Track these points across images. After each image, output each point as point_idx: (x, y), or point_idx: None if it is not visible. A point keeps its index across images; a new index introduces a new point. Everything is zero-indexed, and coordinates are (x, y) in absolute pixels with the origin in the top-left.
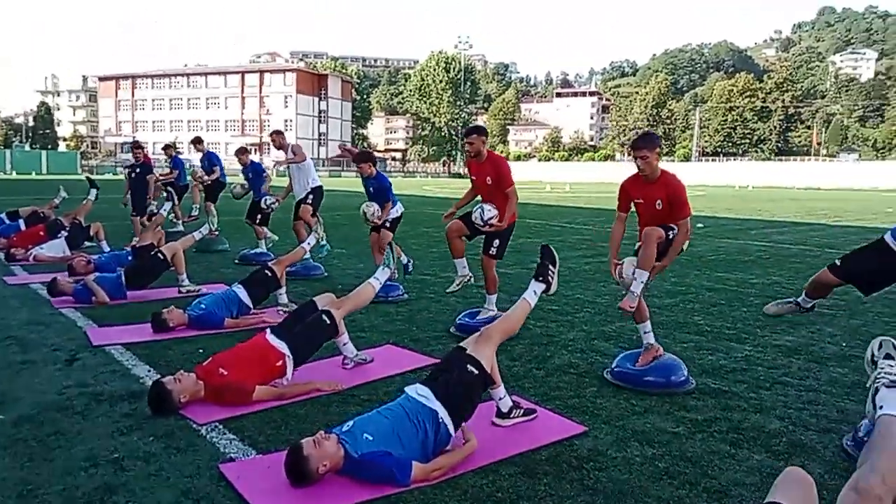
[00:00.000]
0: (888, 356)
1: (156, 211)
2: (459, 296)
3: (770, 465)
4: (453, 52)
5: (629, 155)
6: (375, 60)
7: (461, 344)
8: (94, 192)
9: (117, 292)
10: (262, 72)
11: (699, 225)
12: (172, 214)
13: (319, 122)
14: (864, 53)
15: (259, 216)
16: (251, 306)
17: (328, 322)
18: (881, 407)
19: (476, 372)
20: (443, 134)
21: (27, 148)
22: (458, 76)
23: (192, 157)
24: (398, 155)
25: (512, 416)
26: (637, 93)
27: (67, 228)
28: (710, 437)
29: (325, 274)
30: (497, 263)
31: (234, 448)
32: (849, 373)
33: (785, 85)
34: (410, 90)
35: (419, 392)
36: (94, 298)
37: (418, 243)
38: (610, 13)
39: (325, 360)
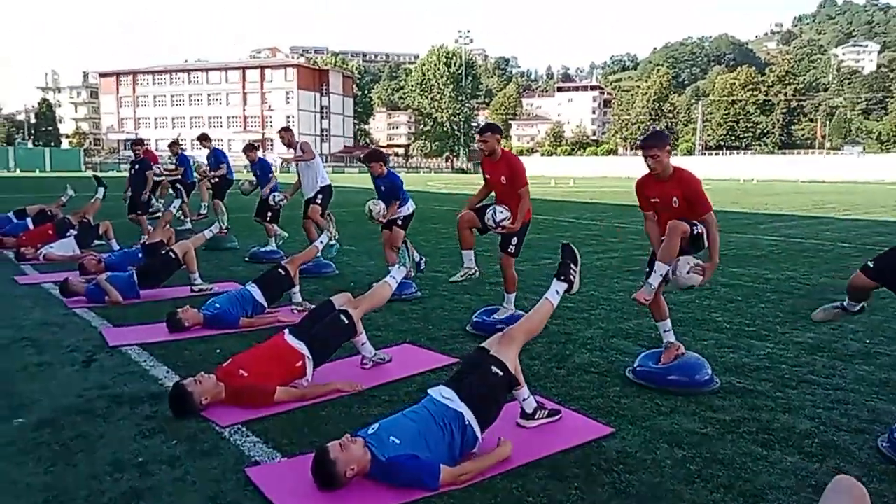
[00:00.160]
0: None
1: (162, 209)
2: (473, 293)
3: (805, 468)
4: (454, 47)
5: (632, 149)
6: (376, 55)
7: (483, 345)
8: (101, 190)
9: (130, 291)
10: (262, 67)
11: None
12: (180, 212)
13: (321, 117)
14: (867, 46)
15: (269, 213)
16: (266, 305)
17: (346, 322)
18: None
19: (501, 373)
20: (445, 129)
21: (30, 145)
22: (460, 71)
23: (195, 154)
24: (401, 150)
25: (537, 417)
26: (638, 87)
27: (76, 227)
28: (740, 439)
29: (337, 272)
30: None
31: (259, 451)
32: (875, 370)
33: (787, 78)
34: (412, 85)
35: (443, 394)
36: (107, 298)
37: (427, 240)
38: (609, 6)
39: (343, 360)
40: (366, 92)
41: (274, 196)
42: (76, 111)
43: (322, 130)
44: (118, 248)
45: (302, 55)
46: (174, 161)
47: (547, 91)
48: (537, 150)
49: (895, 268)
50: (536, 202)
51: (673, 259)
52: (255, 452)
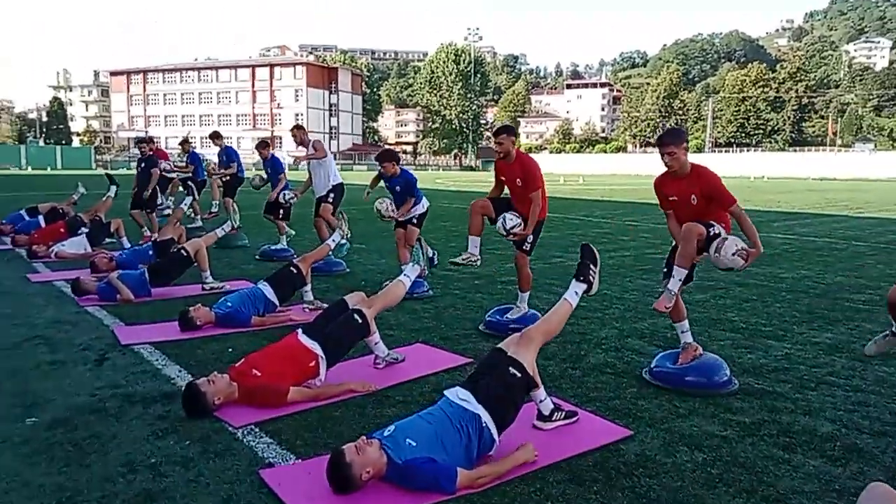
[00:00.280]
0: None
1: (172, 206)
2: (486, 292)
3: (828, 472)
4: (463, 44)
5: (641, 147)
6: (385, 53)
7: (499, 345)
8: (113, 188)
9: (142, 289)
10: (272, 65)
11: None
12: (191, 210)
13: (330, 115)
14: (879, 42)
15: (281, 211)
16: (277, 304)
17: (360, 321)
18: None
19: (519, 375)
20: (453, 126)
21: (41, 143)
22: (468, 68)
23: (204, 152)
24: (409, 148)
25: (553, 418)
26: (648, 84)
27: (88, 225)
28: (760, 442)
29: (347, 270)
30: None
31: (272, 452)
32: (895, 372)
33: (798, 75)
34: (420, 83)
35: (460, 396)
36: (119, 296)
37: (437, 237)
38: (619, 3)
39: (356, 359)
40: (374, 89)
41: (284, 194)
42: (87, 109)
43: (331, 128)
44: (129, 246)
45: (311, 53)
46: (185, 159)
47: (556, 88)
48: (546, 148)
49: None
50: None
51: (691, 262)
52: (268, 454)
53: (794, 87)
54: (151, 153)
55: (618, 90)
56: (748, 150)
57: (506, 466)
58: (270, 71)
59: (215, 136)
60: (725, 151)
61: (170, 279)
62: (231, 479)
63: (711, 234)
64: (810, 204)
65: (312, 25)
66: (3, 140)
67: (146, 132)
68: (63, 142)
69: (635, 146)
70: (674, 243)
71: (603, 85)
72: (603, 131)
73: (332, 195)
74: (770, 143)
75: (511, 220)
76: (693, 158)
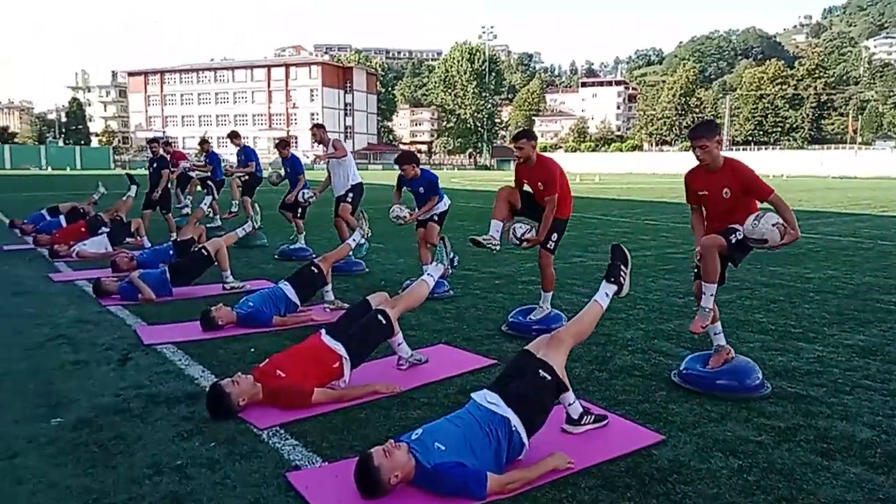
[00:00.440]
0: None
1: (190, 205)
2: (507, 292)
3: (870, 480)
4: (477, 43)
5: (657, 145)
6: (399, 52)
7: (527, 347)
8: (133, 188)
9: (163, 289)
10: (287, 65)
11: None
12: (210, 210)
13: (345, 114)
14: None
15: (299, 210)
16: (298, 304)
17: (384, 322)
18: None
19: (548, 377)
20: (468, 126)
21: (61, 144)
22: (483, 67)
23: (221, 152)
24: (424, 147)
25: (583, 422)
26: (664, 81)
27: (108, 225)
28: (797, 447)
29: (367, 270)
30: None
31: (299, 455)
32: None
33: (817, 71)
34: (435, 82)
35: (488, 399)
36: (141, 296)
37: (454, 237)
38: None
39: (379, 360)
40: (389, 89)
41: (303, 193)
42: (105, 110)
43: (346, 128)
44: (149, 245)
45: (326, 53)
46: (204, 158)
47: (570, 86)
48: (561, 147)
49: None
50: None
51: (716, 277)
52: (294, 456)
53: (813, 84)
54: (169, 154)
55: (633, 88)
56: (766, 149)
57: (537, 472)
58: (286, 71)
59: (234, 136)
60: (743, 150)
61: (191, 278)
62: (258, 482)
63: (734, 241)
64: (832, 203)
65: (327, 25)
66: (24, 141)
67: (164, 132)
68: (82, 142)
69: (651, 145)
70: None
71: (618, 83)
72: (618, 130)
73: (351, 195)
74: (789, 140)
75: (520, 227)
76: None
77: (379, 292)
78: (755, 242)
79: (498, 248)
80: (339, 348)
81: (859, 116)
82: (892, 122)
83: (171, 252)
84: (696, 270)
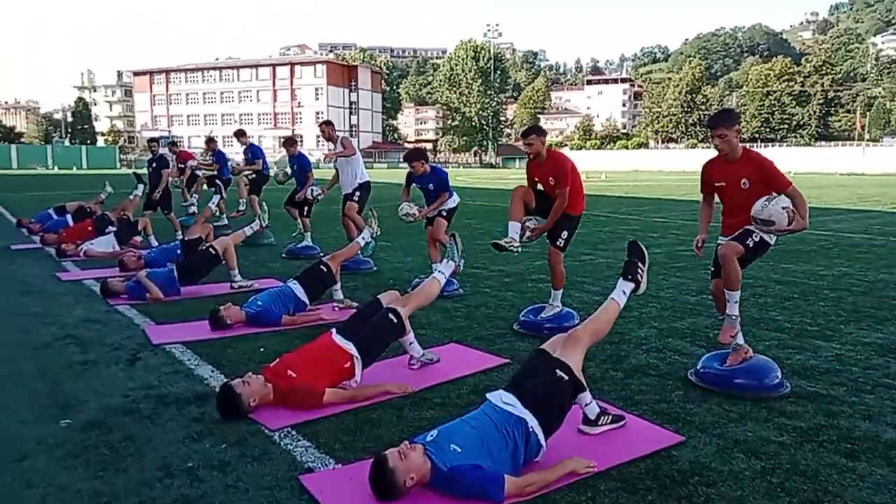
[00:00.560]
0: None
1: (195, 203)
2: (517, 291)
3: None
4: (482, 41)
5: (663, 143)
6: (404, 51)
7: (543, 347)
8: (140, 187)
9: (171, 288)
10: (292, 64)
11: None
12: (217, 209)
13: (350, 113)
14: None
15: (306, 207)
16: (308, 303)
17: (395, 320)
18: None
19: (566, 377)
20: (473, 124)
21: (67, 143)
22: (488, 65)
23: (227, 151)
24: (429, 145)
25: (600, 423)
26: (670, 79)
27: (115, 224)
28: (820, 448)
29: (375, 268)
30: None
31: (311, 456)
32: None
33: (824, 68)
34: (440, 80)
35: (504, 399)
36: (149, 295)
37: (462, 235)
38: None
39: (390, 360)
40: (394, 87)
41: (312, 190)
42: (111, 109)
43: (351, 126)
44: (156, 244)
45: (331, 52)
46: (211, 157)
47: (576, 84)
48: (566, 144)
49: None
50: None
51: (738, 284)
52: (307, 458)
53: (820, 81)
54: (176, 153)
55: (639, 86)
56: (773, 146)
57: (555, 475)
58: (291, 70)
59: (240, 134)
60: (750, 146)
61: (198, 277)
62: (270, 485)
63: (751, 245)
64: (841, 199)
65: (331, 24)
66: (30, 140)
67: (169, 131)
68: (88, 142)
69: (657, 142)
70: (720, 241)
71: (624, 80)
72: (624, 127)
73: (358, 193)
74: (796, 137)
75: (529, 221)
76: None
77: (390, 291)
78: (761, 224)
79: (519, 249)
80: (351, 348)
81: (867, 113)
82: None
83: (178, 251)
84: (712, 269)
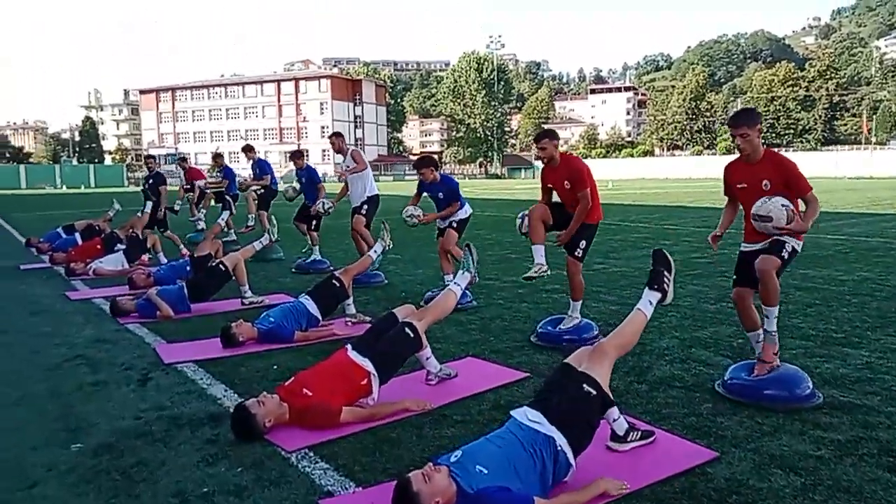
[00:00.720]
0: None
1: (202, 219)
2: (531, 302)
3: None
4: (485, 52)
5: (668, 150)
6: (407, 64)
7: (568, 361)
8: (149, 204)
9: (181, 305)
10: (296, 79)
11: None
12: (225, 225)
13: (355, 127)
14: None
15: (314, 221)
16: (320, 318)
17: (411, 335)
18: None
19: (594, 392)
20: (478, 135)
21: (75, 162)
22: (491, 76)
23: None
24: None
25: (629, 439)
26: (673, 86)
27: (124, 241)
28: (861, 462)
29: (386, 281)
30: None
31: (330, 479)
32: None
33: (828, 73)
34: (444, 92)
35: (530, 417)
36: (159, 313)
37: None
38: (641, 6)
39: (406, 375)
40: (398, 100)
41: (323, 203)
42: (118, 128)
43: (356, 140)
44: (166, 261)
45: (335, 66)
46: (219, 173)
47: (579, 94)
48: (571, 154)
49: None
50: None
51: (777, 300)
52: (326, 481)
53: (825, 86)
54: (185, 170)
55: (642, 94)
56: (780, 151)
57: (587, 496)
58: (295, 85)
59: (248, 150)
60: None
61: (209, 294)
62: None
63: (785, 256)
64: (852, 203)
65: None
66: (38, 160)
67: (176, 149)
68: (96, 160)
69: (662, 150)
70: (743, 247)
71: (627, 89)
72: (629, 135)
73: (366, 207)
74: (801, 142)
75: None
76: (725, 161)
77: (405, 305)
78: (759, 219)
79: (548, 272)
80: (367, 364)
81: (873, 116)
82: None
83: (187, 268)
84: (734, 277)
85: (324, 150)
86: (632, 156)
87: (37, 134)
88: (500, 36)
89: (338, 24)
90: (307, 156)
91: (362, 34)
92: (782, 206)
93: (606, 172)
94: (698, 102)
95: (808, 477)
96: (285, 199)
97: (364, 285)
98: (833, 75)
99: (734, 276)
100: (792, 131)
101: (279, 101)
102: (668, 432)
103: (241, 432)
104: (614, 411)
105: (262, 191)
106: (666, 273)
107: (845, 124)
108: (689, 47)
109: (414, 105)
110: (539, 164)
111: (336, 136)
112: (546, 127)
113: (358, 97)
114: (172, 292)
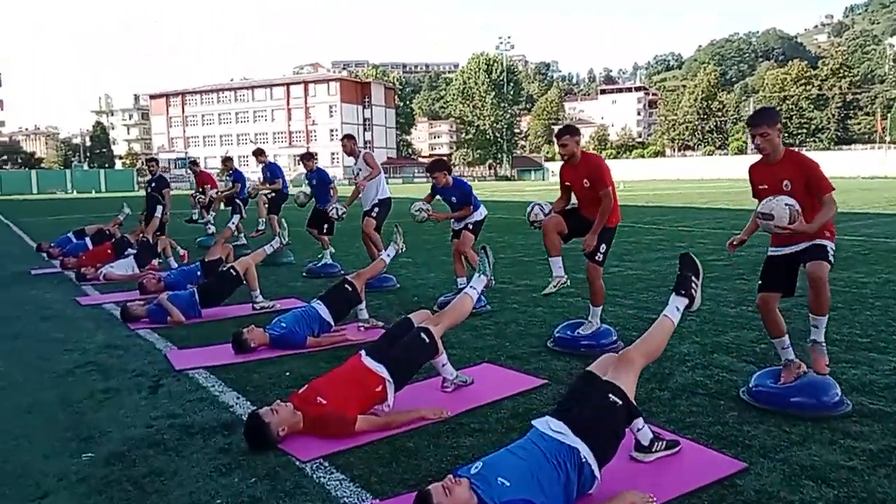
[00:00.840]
0: None
1: (211, 222)
2: (546, 306)
3: None
4: (494, 54)
5: (679, 150)
6: (416, 66)
7: (591, 369)
8: (159, 208)
9: (192, 310)
10: (305, 83)
11: None
12: (235, 228)
13: (364, 129)
14: None
15: (326, 225)
16: (332, 323)
17: (427, 340)
18: None
19: (619, 402)
20: (487, 137)
21: (86, 167)
22: (501, 77)
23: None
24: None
25: (654, 450)
26: (684, 86)
27: (135, 246)
28: (895, 473)
29: (398, 286)
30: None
31: (346, 491)
32: None
33: (841, 71)
34: (453, 94)
35: (552, 427)
36: (170, 318)
37: None
38: (651, 5)
39: (421, 382)
40: (407, 103)
41: (336, 209)
42: (128, 133)
43: (365, 142)
44: (176, 266)
45: (343, 69)
46: (229, 177)
47: (589, 94)
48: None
49: None
50: None
51: (827, 310)
52: (342, 493)
53: (838, 84)
54: (196, 174)
55: (653, 94)
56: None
57: None
58: (305, 88)
59: (259, 153)
60: None
61: (220, 299)
62: None
63: (832, 260)
64: (869, 203)
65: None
66: (50, 165)
67: (186, 153)
68: (106, 165)
69: (674, 150)
70: (770, 251)
71: (638, 89)
72: (640, 136)
73: (377, 209)
74: (815, 142)
75: (541, 212)
76: (737, 161)
77: (420, 310)
78: (760, 217)
79: (568, 283)
80: (382, 370)
81: (887, 115)
82: None
83: (198, 273)
84: (760, 282)
85: (332, 154)
86: (643, 156)
87: (48, 139)
88: (509, 37)
89: (338, 24)
90: (316, 159)
91: (362, 35)
92: (786, 204)
93: (618, 173)
94: (710, 102)
95: (840, 489)
96: (296, 204)
97: (376, 289)
98: (846, 74)
99: (760, 282)
100: (805, 131)
101: (288, 104)
102: (694, 442)
103: (255, 442)
104: (639, 421)
105: (273, 194)
106: (693, 278)
107: (859, 123)
108: (700, 46)
109: (423, 107)
110: (549, 167)
111: (348, 139)
112: (554, 129)
113: (367, 100)
114: (183, 297)
